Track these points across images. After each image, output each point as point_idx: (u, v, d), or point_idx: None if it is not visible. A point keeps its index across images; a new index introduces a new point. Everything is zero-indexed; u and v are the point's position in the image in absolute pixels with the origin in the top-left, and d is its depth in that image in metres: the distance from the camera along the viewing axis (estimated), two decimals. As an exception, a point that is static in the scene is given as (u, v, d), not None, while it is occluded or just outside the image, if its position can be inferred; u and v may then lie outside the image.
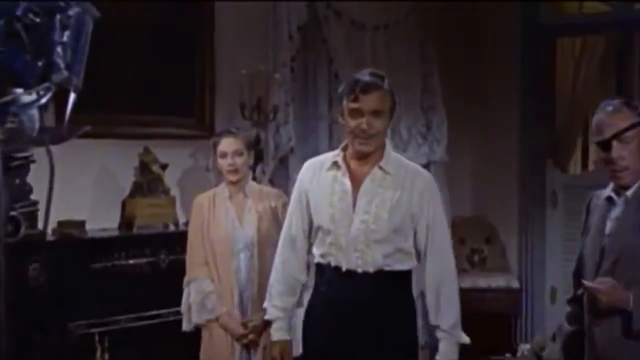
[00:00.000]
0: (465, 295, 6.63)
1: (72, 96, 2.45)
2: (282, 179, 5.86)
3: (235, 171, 4.34)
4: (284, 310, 3.67)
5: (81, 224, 4.66)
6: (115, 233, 4.96)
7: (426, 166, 6.37)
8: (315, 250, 3.56)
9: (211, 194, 4.44)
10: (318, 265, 3.57)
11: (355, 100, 3.38)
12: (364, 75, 3.44)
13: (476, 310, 6.52)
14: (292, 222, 3.64)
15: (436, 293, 3.50)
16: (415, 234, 3.50)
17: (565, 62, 7.16)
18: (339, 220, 3.44)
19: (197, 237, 4.36)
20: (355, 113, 3.39)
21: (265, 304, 3.72)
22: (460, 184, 7.07)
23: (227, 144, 4.35)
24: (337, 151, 3.55)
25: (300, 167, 5.55)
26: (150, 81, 5.26)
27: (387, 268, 3.45)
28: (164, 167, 5.17)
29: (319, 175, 3.54)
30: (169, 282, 4.54)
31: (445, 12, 6.86)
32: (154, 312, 4.77)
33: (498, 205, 7.18)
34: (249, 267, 4.31)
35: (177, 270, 4.48)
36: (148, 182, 5.10)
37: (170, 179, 5.26)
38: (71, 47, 2.35)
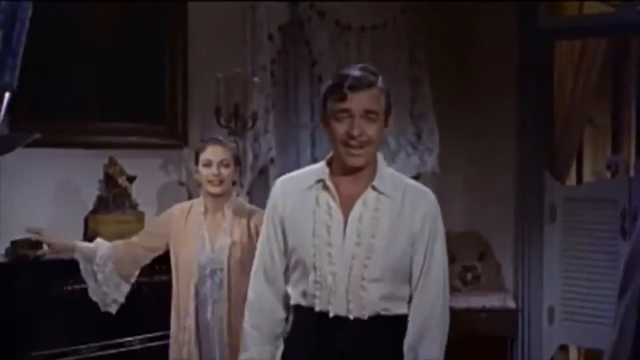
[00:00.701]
0: (458, 317, 6.44)
1: (7, 96, 1.99)
2: (261, 191, 5.68)
3: (220, 182, 4.10)
4: None
5: (38, 244, 4.38)
6: None
7: (416, 178, 6.31)
8: (293, 290, 2.99)
9: (187, 206, 4.22)
10: (297, 307, 2.99)
11: (343, 99, 2.83)
12: (353, 70, 2.89)
13: (469, 332, 6.40)
14: (267, 251, 3.05)
15: (412, 350, 2.91)
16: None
17: (564, 67, 7.03)
18: (324, 254, 2.88)
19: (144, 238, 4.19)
20: (343, 116, 2.84)
21: (240, 357, 3.14)
22: (452, 197, 6.77)
23: (213, 152, 4.11)
24: (320, 165, 3.00)
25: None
26: (116, 85, 5.08)
27: (384, 313, 2.89)
28: (131, 179, 4.98)
29: (296, 197, 2.98)
30: (136, 307, 4.38)
31: (437, 14, 6.70)
32: (119, 341, 4.56)
33: (492, 219, 6.97)
34: (217, 296, 4.04)
35: (146, 295, 4.43)
36: (114, 196, 4.92)
37: (138, 192, 5.05)
38: (1, 37, 1.91)
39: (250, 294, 3.10)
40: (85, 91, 4.96)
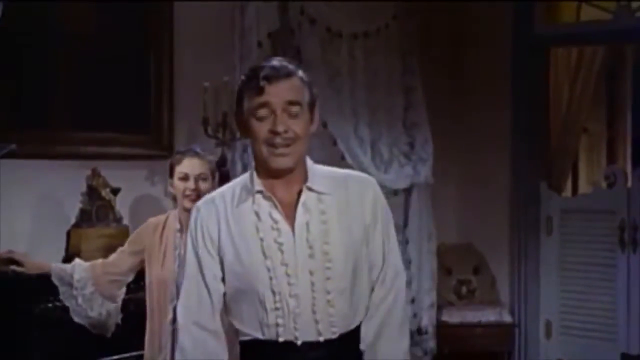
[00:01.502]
0: (453, 332, 6.51)
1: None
2: None
3: (197, 197, 3.85)
4: None
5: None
6: None
7: (409, 189, 6.38)
8: (242, 325, 2.63)
9: (161, 220, 4.06)
10: (251, 344, 2.63)
11: (260, 92, 2.53)
12: (269, 61, 2.61)
13: (464, 348, 6.32)
14: (201, 287, 2.65)
15: (372, 349, 2.67)
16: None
17: (560, 76, 7.04)
18: (282, 276, 2.55)
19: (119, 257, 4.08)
20: (263, 113, 2.54)
21: None
22: (446, 208, 6.87)
23: (190, 166, 3.95)
24: (245, 177, 2.69)
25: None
26: (99, 94, 5.03)
27: (355, 324, 2.64)
28: (115, 191, 4.92)
29: (229, 217, 2.64)
30: (122, 325, 4.27)
31: (430, 21, 6.67)
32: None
33: (488, 231, 6.95)
34: None
35: (132, 313, 4.25)
36: (97, 209, 4.86)
37: (122, 205, 5.01)
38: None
39: (185, 342, 2.67)
40: (67, 100, 4.91)
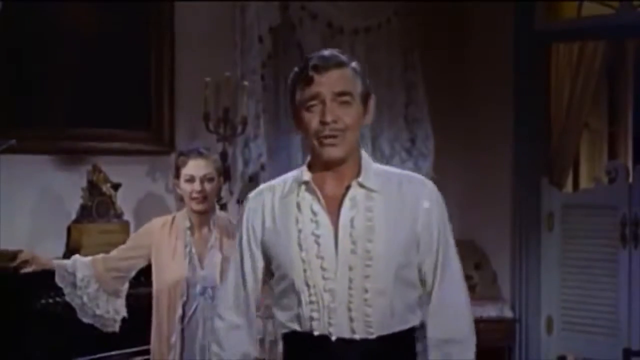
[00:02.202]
0: None
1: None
2: None
3: (204, 199, 3.91)
4: None
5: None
6: None
7: None
8: (283, 315, 2.65)
9: (168, 220, 4.04)
10: (290, 335, 2.65)
11: (309, 82, 2.51)
12: (320, 52, 2.60)
13: None
14: (239, 276, 2.73)
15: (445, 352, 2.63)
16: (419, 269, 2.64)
17: (561, 72, 6.98)
18: (316, 269, 2.54)
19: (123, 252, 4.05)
20: (313, 104, 2.52)
21: None
22: (447, 204, 6.48)
23: (195, 167, 3.92)
24: (299, 170, 2.69)
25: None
26: (100, 89, 5.01)
27: (393, 329, 2.58)
28: (116, 187, 4.90)
29: (274, 208, 2.65)
30: (122, 321, 4.22)
31: (431, 17, 6.67)
32: (103, 355, 4.47)
33: (489, 227, 6.90)
34: (208, 314, 3.84)
35: (133, 307, 4.19)
36: (97, 204, 4.83)
37: (123, 201, 4.98)
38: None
39: (220, 323, 2.76)
40: (68, 95, 4.89)
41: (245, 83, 5.42)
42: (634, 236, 6.24)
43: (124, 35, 5.16)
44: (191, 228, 3.95)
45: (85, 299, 4.00)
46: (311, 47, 5.83)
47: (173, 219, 4.03)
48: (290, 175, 2.68)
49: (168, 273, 3.90)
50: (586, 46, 6.86)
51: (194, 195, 3.88)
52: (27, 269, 4.04)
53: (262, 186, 2.76)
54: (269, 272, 2.69)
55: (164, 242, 3.94)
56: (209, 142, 5.29)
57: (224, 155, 5.31)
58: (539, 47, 6.80)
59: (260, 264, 2.68)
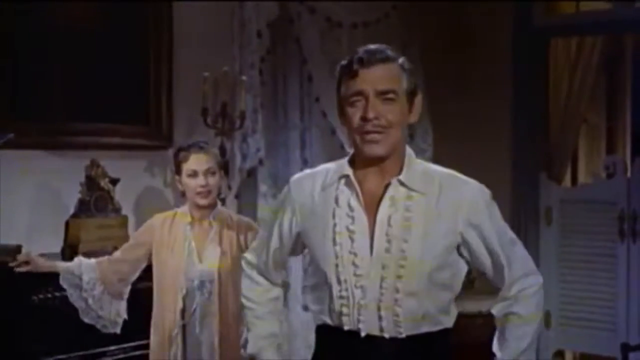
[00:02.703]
0: None
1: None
2: (249, 193, 5.71)
3: (208, 193, 3.91)
4: (268, 336, 2.86)
5: (17, 249, 4.26)
6: (58, 259, 4.51)
7: None
8: (316, 307, 2.66)
9: (170, 216, 4.04)
10: (322, 328, 2.65)
11: (354, 76, 2.48)
12: (367, 46, 2.55)
13: (464, 337, 6.18)
14: (269, 246, 2.79)
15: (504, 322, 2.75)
16: (484, 267, 2.66)
17: (560, 67, 6.95)
18: (348, 265, 2.52)
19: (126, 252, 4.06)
20: (356, 98, 2.49)
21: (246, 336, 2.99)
22: None
23: (197, 162, 3.90)
24: (341, 161, 2.64)
25: (270, 181, 4.94)
26: (98, 84, 5.00)
27: (424, 330, 2.55)
28: (114, 182, 4.88)
29: (314, 198, 2.63)
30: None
31: (430, 12, 6.64)
32: (101, 350, 4.44)
33: None
34: (206, 310, 3.88)
35: (132, 302, 4.17)
36: (96, 199, 4.80)
37: (121, 195, 4.95)
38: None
39: (248, 270, 2.89)
40: (67, 90, 4.87)
41: (244, 78, 5.41)
42: (632, 231, 6.22)
43: (123, 30, 5.14)
44: (191, 222, 3.95)
45: (90, 301, 3.99)
46: (309, 42, 5.93)
47: (174, 215, 4.02)
48: (332, 165, 2.66)
49: (167, 267, 3.90)
50: (584, 41, 6.83)
51: (199, 190, 3.87)
52: (24, 269, 4.04)
53: (303, 173, 2.76)
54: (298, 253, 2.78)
55: (164, 238, 3.94)
56: (207, 137, 5.31)
57: (222, 150, 5.27)
58: (537, 43, 6.76)
59: (285, 247, 2.75)
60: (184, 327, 3.88)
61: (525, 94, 6.76)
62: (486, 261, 2.61)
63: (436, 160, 6.40)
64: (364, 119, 2.47)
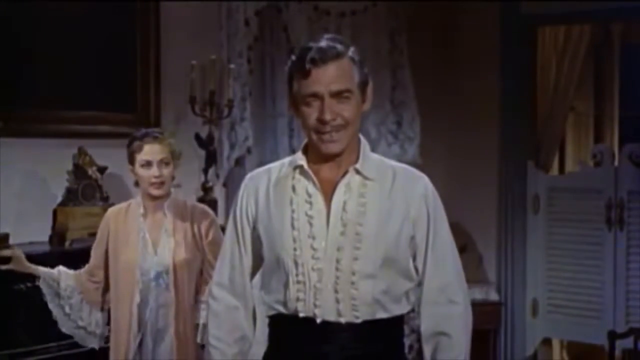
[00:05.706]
0: None
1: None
2: (237, 182, 5.49)
3: (162, 184, 3.85)
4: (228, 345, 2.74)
5: (4, 238, 4.17)
6: (45, 248, 4.63)
7: None
8: (270, 297, 2.64)
9: (124, 208, 3.99)
10: (275, 318, 2.64)
11: (307, 75, 2.46)
12: (318, 41, 2.51)
13: None
14: (235, 257, 2.73)
15: (434, 345, 2.63)
16: (414, 259, 2.62)
17: (547, 56, 6.98)
18: (307, 248, 2.53)
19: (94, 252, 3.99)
20: (310, 97, 2.48)
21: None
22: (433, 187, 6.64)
23: (151, 152, 3.84)
24: (295, 155, 2.67)
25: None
26: (85, 72, 4.98)
27: (380, 315, 2.56)
28: (101, 170, 4.89)
29: (269, 190, 2.64)
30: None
31: (418, 0, 6.62)
32: None
33: (474, 210, 6.83)
34: (162, 301, 3.84)
35: None
36: (83, 188, 4.82)
37: (109, 184, 4.95)
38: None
39: (215, 306, 2.75)
40: (53, 78, 4.83)
41: (232, 66, 5.41)
42: (619, 219, 6.26)
43: (110, 17, 5.10)
44: (145, 214, 3.89)
45: (67, 309, 3.92)
46: (297, 30, 5.89)
47: (128, 205, 3.98)
48: (286, 160, 2.67)
49: (122, 260, 3.84)
50: (572, 30, 6.85)
51: (153, 180, 3.82)
52: (6, 267, 3.95)
53: (257, 170, 2.75)
54: (259, 256, 2.68)
55: (120, 230, 3.89)
56: (195, 125, 5.29)
57: (210, 138, 5.34)
58: (525, 31, 6.76)
59: (254, 246, 2.68)
60: (139, 316, 3.81)
61: (512, 82, 6.75)
62: (421, 247, 2.61)
63: (424, 148, 6.46)
64: (321, 120, 2.47)
